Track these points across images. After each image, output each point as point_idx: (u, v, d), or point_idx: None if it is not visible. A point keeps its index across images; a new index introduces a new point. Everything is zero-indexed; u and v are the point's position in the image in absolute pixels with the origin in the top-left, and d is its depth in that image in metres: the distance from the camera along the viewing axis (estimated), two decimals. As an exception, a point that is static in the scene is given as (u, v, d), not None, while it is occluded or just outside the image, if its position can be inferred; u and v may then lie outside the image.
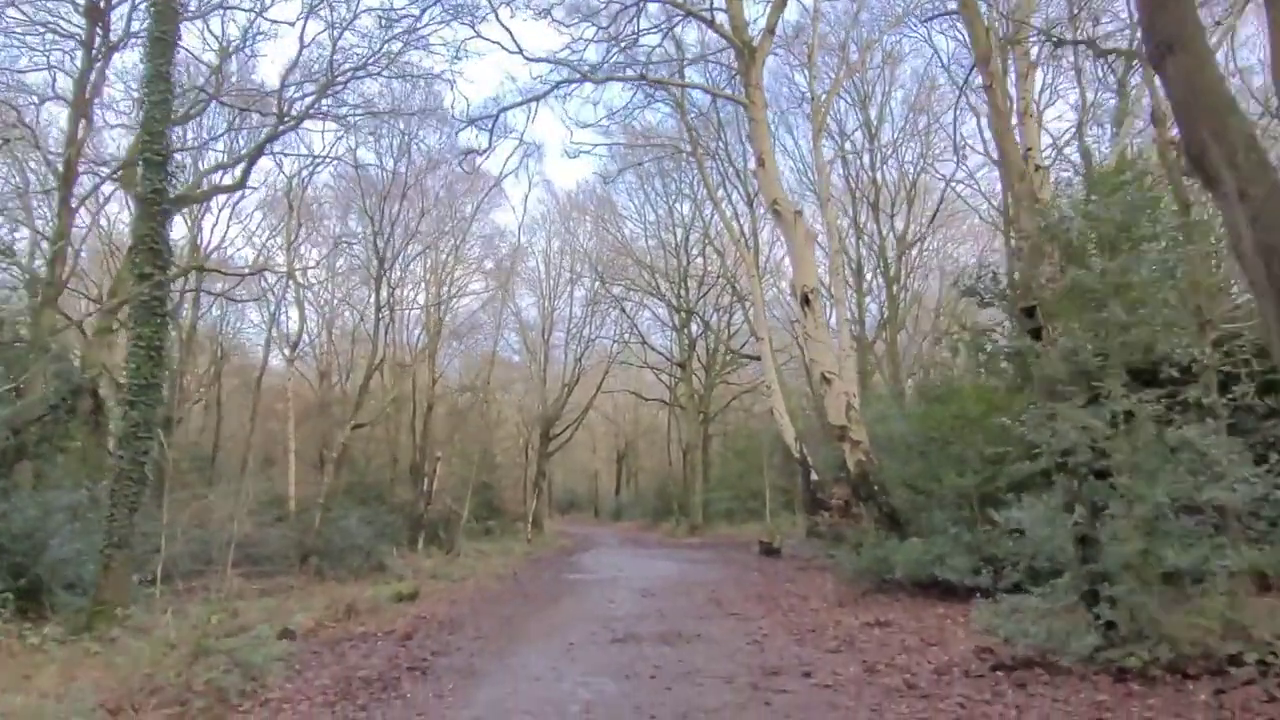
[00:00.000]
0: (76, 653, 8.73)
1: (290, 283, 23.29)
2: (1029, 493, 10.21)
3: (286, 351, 22.70)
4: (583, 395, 39.49)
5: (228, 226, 25.32)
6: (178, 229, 25.25)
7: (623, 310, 38.24)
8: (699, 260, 35.81)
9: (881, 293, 31.89)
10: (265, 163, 24.30)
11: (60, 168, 16.70)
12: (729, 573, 16.91)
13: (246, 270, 21.56)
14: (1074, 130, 21.00)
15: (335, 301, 32.55)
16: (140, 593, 12.02)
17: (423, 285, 30.92)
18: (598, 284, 36.96)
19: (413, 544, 23.26)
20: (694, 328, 36.32)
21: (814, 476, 18.64)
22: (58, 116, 21.19)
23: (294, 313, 27.18)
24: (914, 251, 31.81)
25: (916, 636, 8.17)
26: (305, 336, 33.54)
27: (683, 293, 35.53)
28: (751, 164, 19.85)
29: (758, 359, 27.60)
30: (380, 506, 24.38)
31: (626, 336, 40.12)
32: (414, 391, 29.75)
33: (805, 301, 15.21)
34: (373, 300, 26.93)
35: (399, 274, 29.15)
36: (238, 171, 19.26)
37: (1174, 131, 8.32)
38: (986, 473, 10.97)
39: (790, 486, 37.53)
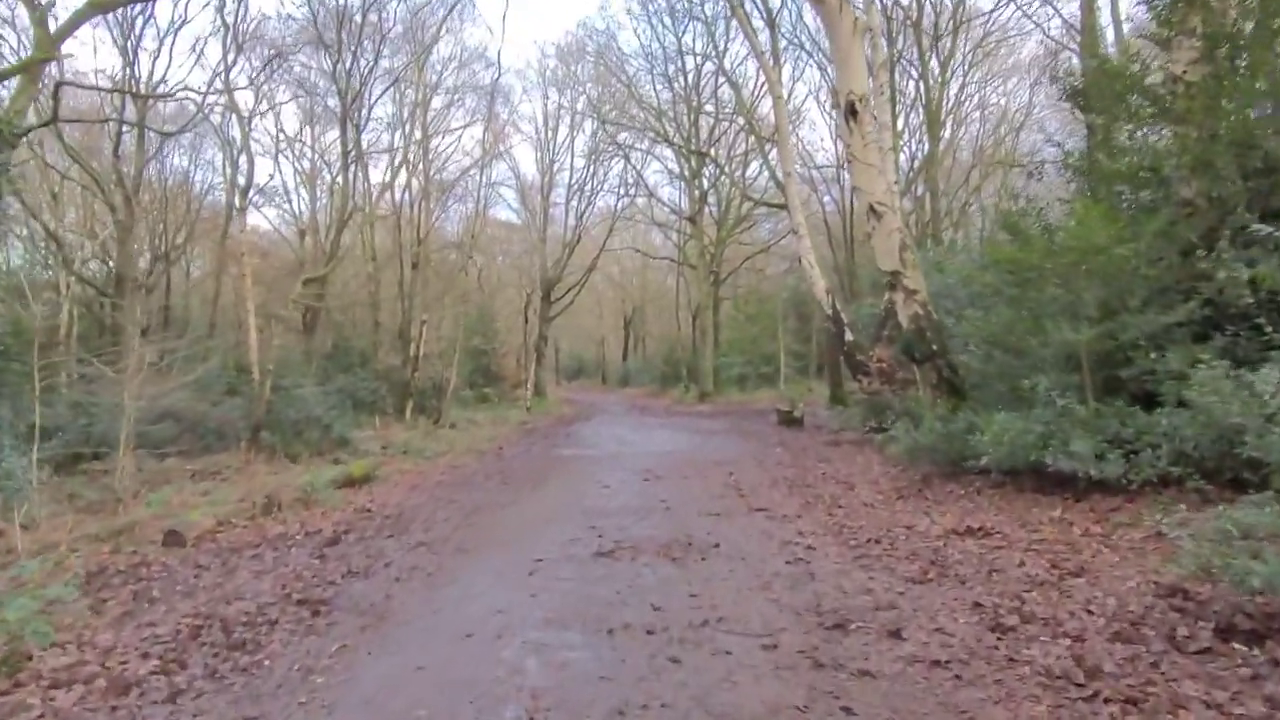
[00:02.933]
0: None
1: (234, 116, 19.82)
2: (1175, 348, 7.51)
3: (237, 201, 19.60)
4: (586, 257, 36.50)
5: (170, 57, 21.70)
6: (112, 58, 21.62)
7: (628, 160, 34.50)
8: (710, 105, 31.67)
9: (912, 139, 28.18)
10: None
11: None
12: (747, 447, 14.47)
13: (150, 93, 18.01)
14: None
15: (314, 156, 29.16)
16: (20, 481, 9.71)
17: (401, 128, 27.29)
18: (600, 131, 33.06)
19: (400, 413, 21.09)
20: (705, 180, 32.59)
21: (849, 336, 15.86)
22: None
23: (262, 164, 23.91)
24: (954, 88, 27.85)
25: (1041, 557, 5.52)
26: (279, 191, 30.39)
27: (694, 137, 31.54)
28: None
29: (780, 206, 24.21)
30: (364, 373, 22.16)
31: (632, 191, 36.63)
32: (399, 249, 26.83)
33: (851, 113, 11.87)
34: (342, 145, 23.61)
35: (368, 113, 25.61)
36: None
37: None
38: (1103, 326, 8.12)
39: (805, 351, 34.99)
